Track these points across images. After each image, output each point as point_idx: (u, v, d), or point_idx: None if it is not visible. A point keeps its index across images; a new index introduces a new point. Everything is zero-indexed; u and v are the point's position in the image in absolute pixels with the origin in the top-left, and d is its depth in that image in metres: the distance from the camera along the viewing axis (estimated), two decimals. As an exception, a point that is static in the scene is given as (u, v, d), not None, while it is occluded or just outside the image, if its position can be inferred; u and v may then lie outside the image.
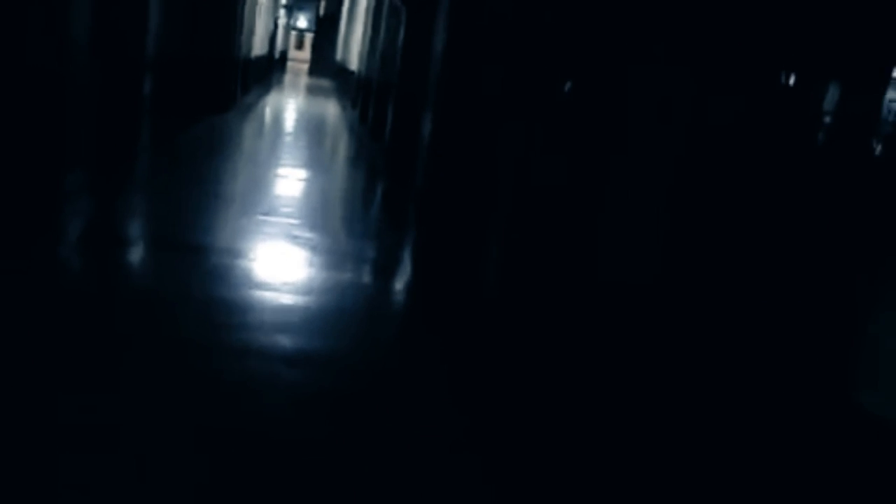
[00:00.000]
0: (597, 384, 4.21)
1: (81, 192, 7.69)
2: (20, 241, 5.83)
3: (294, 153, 12.31)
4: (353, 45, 24.34)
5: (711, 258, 2.91)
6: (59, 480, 3.04)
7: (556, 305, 4.68)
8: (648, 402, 3.74)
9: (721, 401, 3.25)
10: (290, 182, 9.71)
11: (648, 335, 3.52)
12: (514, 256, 5.53)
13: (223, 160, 10.99)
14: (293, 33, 47.85)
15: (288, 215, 7.78)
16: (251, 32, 20.58)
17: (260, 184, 9.36)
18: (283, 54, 41.83)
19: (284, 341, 4.64)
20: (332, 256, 6.58)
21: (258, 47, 23.45)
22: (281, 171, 10.45)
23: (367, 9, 19.34)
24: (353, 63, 23.10)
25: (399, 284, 6.36)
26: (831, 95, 2.96)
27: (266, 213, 7.69)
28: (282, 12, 35.04)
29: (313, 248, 6.69)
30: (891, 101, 2.89)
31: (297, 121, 18.06)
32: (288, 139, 14.42)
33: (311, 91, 29.37)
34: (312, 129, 16.73)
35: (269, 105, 20.42)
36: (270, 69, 31.10)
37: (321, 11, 43.66)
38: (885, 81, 2.80)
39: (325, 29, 43.62)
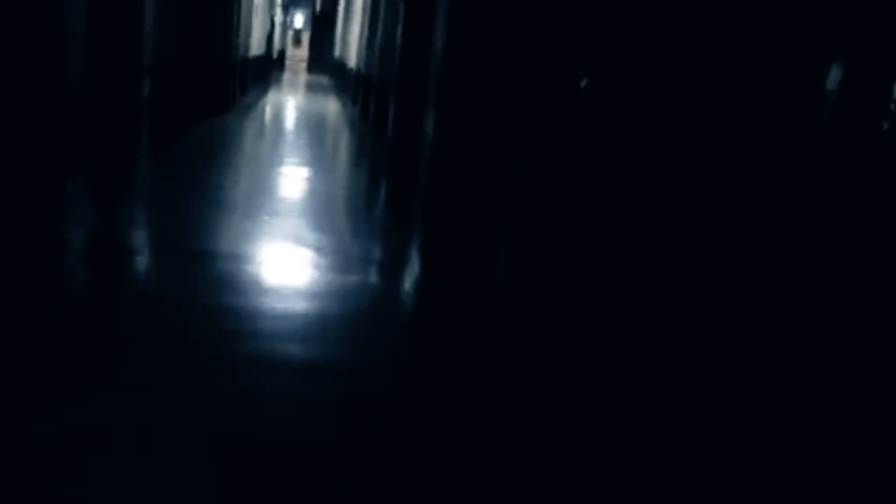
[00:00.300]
0: (612, 383, 4.11)
1: (82, 200, 7.61)
2: (22, 252, 5.75)
3: (296, 152, 12.21)
4: (351, 42, 24.23)
5: (741, 258, 2.80)
6: (69, 494, 2.95)
7: (573, 304, 4.58)
8: (664, 403, 3.65)
9: (740, 404, 3.15)
10: (293, 182, 9.61)
11: (672, 335, 3.42)
12: (528, 254, 5.43)
13: (224, 162, 10.89)
14: (290, 31, 47.74)
15: (292, 216, 7.69)
16: (248, 32, 20.48)
17: (263, 185, 9.26)
18: (281, 53, 41.74)
19: (293, 348, 4.55)
20: (338, 258, 6.48)
21: (256, 47, 23.36)
22: (283, 171, 10.36)
23: (364, 6, 19.22)
24: (352, 60, 22.99)
25: (408, 285, 6.25)
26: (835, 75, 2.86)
27: (270, 215, 7.60)
28: (278, 11, 34.92)
29: (319, 250, 6.59)
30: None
31: (298, 119, 17.95)
32: (289, 138, 14.32)
33: (311, 88, 29.26)
34: (313, 127, 16.63)
35: (268, 104, 20.31)
36: (269, 68, 31.01)
37: (317, 9, 43.52)
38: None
39: (322, 26, 43.50)
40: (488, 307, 5.62)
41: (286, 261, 6.26)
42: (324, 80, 35.91)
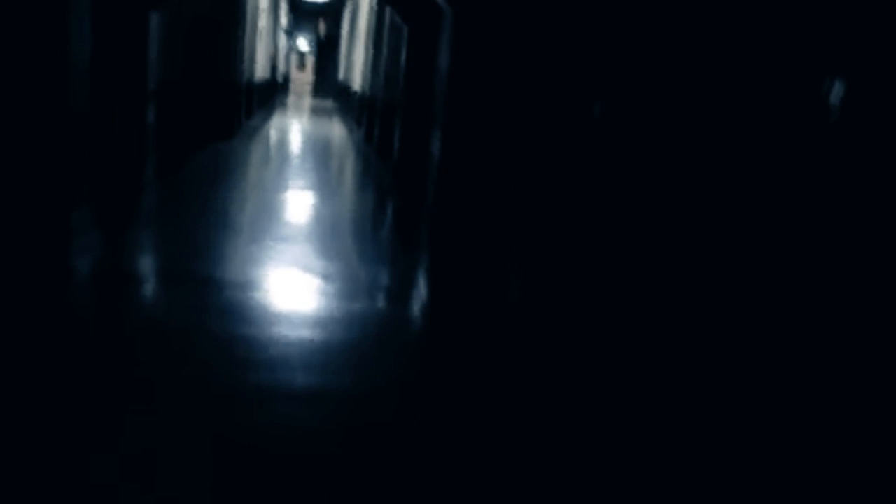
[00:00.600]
0: (622, 403, 4.03)
1: (89, 228, 7.56)
2: (30, 284, 5.69)
3: (301, 176, 12.18)
4: (355, 65, 24.27)
5: (759, 277, 2.73)
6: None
7: (584, 327, 4.49)
8: (675, 426, 3.56)
9: (755, 431, 3.06)
10: (299, 207, 9.56)
11: (686, 358, 3.33)
12: (538, 277, 5.35)
13: (230, 188, 10.86)
14: (294, 56, 47.94)
15: (299, 242, 7.63)
16: (252, 57, 20.54)
17: (269, 211, 9.21)
18: (286, 77, 41.90)
19: (304, 376, 4.48)
20: (346, 284, 6.41)
21: (260, 71, 23.42)
22: (289, 195, 10.31)
23: (368, 28, 19.26)
24: (356, 82, 23.02)
25: (417, 310, 6.18)
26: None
27: (277, 241, 7.55)
28: (282, 36, 35.08)
29: (326, 277, 6.52)
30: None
31: (303, 143, 17.95)
32: (294, 162, 14.30)
33: (315, 112, 29.31)
34: (318, 150, 16.62)
35: (273, 128, 20.32)
36: (274, 92, 31.10)
37: (321, 33, 43.71)
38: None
39: (327, 50, 43.68)
40: (499, 331, 5.53)
41: (293, 288, 6.19)
42: (328, 103, 36.00)
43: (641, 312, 3.73)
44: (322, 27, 43.36)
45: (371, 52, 18.21)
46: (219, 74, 15.99)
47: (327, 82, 42.93)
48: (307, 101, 37.63)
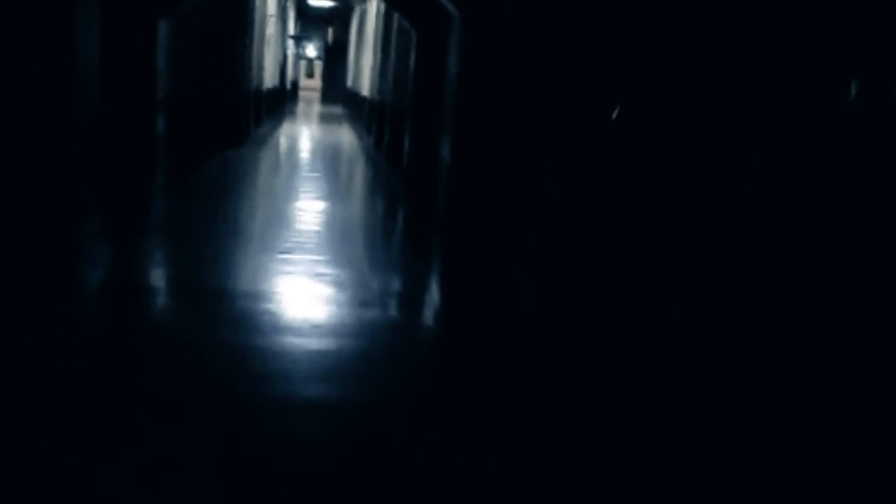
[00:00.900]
0: (638, 412, 3.94)
1: (99, 238, 7.51)
2: (39, 295, 5.63)
3: (311, 184, 12.12)
4: (363, 71, 24.24)
5: (783, 291, 2.63)
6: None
7: (604, 336, 4.40)
8: (688, 436, 3.47)
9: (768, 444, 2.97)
10: (309, 215, 9.50)
11: (703, 370, 3.24)
12: (553, 285, 5.26)
13: (241, 196, 10.81)
14: (303, 63, 47.96)
15: (310, 251, 7.56)
16: (261, 65, 20.51)
17: (280, 219, 9.15)
18: (295, 84, 41.91)
19: (318, 387, 4.40)
20: (358, 292, 6.34)
21: (269, 79, 23.40)
22: (300, 204, 10.25)
23: (376, 34, 19.21)
24: (365, 89, 22.98)
25: (429, 319, 6.10)
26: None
27: (288, 251, 7.48)
28: (290, 43, 35.09)
29: (339, 286, 6.45)
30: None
31: (312, 150, 17.91)
32: (304, 170, 14.25)
33: (324, 119, 29.29)
34: (328, 157, 16.57)
35: (283, 136, 20.29)
36: (283, 100, 31.10)
37: (329, 39, 43.73)
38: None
39: (335, 56, 43.68)
40: (511, 339, 5.44)
41: (306, 297, 6.12)
42: (337, 109, 35.99)
43: (660, 320, 3.64)
44: (330, 33, 43.40)
45: (379, 57, 18.16)
46: (227, 83, 15.96)
47: (336, 88, 42.91)
48: (316, 107, 37.65)
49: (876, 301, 2.45)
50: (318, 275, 6.73)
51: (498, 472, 3.66)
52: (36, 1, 6.62)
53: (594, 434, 4.06)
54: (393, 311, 6.20)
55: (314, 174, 13.52)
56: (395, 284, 6.92)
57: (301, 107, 36.53)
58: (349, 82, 33.61)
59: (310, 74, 51.47)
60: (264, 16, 20.28)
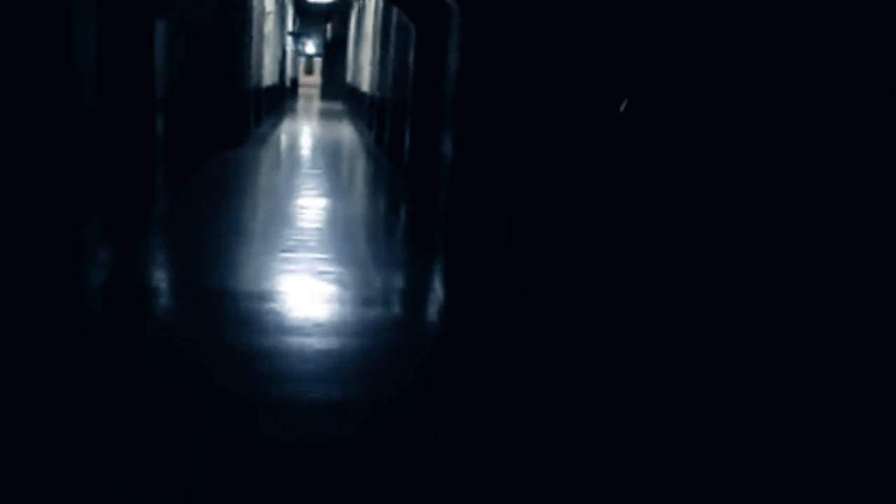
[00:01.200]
0: (646, 409, 3.89)
1: (99, 240, 7.47)
2: (41, 297, 5.59)
3: (312, 182, 12.07)
4: (363, 67, 24.16)
5: (806, 291, 2.57)
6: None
7: (612, 333, 4.35)
8: (700, 440, 3.41)
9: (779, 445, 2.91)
10: (311, 213, 9.44)
11: (726, 366, 3.18)
12: (557, 282, 5.20)
13: (241, 195, 10.76)
14: (302, 59, 47.86)
15: (312, 249, 7.51)
16: (260, 63, 20.45)
17: (281, 217, 9.10)
18: (294, 81, 41.84)
19: (322, 387, 4.36)
20: (361, 290, 6.29)
21: (268, 77, 23.34)
22: (301, 202, 10.20)
23: (375, 29, 19.14)
24: (365, 85, 22.91)
25: (433, 316, 6.05)
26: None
27: (291, 250, 7.43)
28: (289, 40, 35.00)
29: (342, 284, 6.40)
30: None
31: (313, 148, 17.85)
32: (305, 168, 14.19)
33: (324, 115, 29.23)
34: (328, 155, 16.51)
35: (283, 134, 20.24)
36: (282, 97, 31.04)
37: (328, 35, 43.63)
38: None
39: (334, 53, 43.57)
40: (516, 336, 5.39)
41: (308, 296, 6.07)
42: (337, 106, 35.93)
43: (671, 316, 3.58)
44: (329, 30, 43.29)
45: (379, 53, 18.09)
46: (226, 81, 15.90)
47: (336, 85, 42.82)
48: (316, 104, 37.58)
49: None
50: (320, 273, 6.68)
51: (502, 474, 3.62)
52: (32, 4, 6.58)
53: (602, 435, 4.01)
54: (396, 309, 6.15)
55: (315, 171, 13.46)
56: (398, 282, 6.87)
57: (301, 104, 36.47)
58: (349, 78, 33.54)
59: (309, 71, 51.41)
60: (262, 13, 20.20)
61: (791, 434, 2.84)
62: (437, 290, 6.76)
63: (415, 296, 6.60)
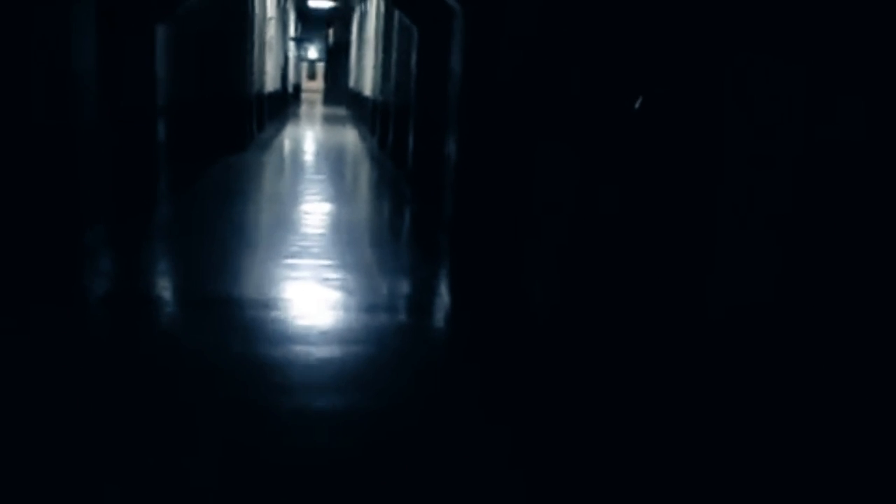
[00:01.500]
0: (657, 415, 3.79)
1: (102, 247, 7.39)
2: (43, 306, 5.51)
3: (315, 187, 11.98)
4: (366, 71, 24.10)
5: (836, 290, 2.47)
6: None
7: (624, 338, 4.25)
8: (713, 445, 3.31)
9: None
10: (315, 218, 9.36)
11: (748, 372, 3.08)
12: (569, 288, 5.10)
13: (245, 201, 10.67)
14: (305, 65, 47.82)
15: (316, 255, 7.42)
16: (262, 69, 20.38)
17: (285, 223, 9.01)
18: (297, 87, 41.80)
19: (330, 397, 4.27)
20: (367, 296, 6.20)
21: (270, 83, 23.28)
22: (305, 207, 10.11)
23: (377, 33, 19.07)
24: (368, 89, 22.84)
25: (439, 322, 5.96)
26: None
27: (295, 256, 7.34)
28: (291, 45, 34.96)
29: (347, 290, 6.31)
30: None
31: (316, 153, 17.77)
32: (308, 173, 14.11)
33: (327, 120, 29.17)
34: (332, 159, 16.43)
35: (286, 139, 20.17)
36: (285, 103, 30.98)
37: (331, 40, 43.60)
38: None
39: (337, 57, 43.54)
40: (524, 342, 5.30)
41: (313, 303, 5.98)
42: (340, 110, 35.88)
43: (689, 318, 3.48)
44: (331, 34, 43.25)
45: (381, 57, 18.01)
46: (228, 87, 15.84)
47: (339, 90, 42.78)
48: (319, 109, 37.53)
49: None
50: (325, 279, 6.59)
51: (515, 478, 3.52)
52: (30, 10, 6.50)
53: (620, 447, 3.91)
54: (402, 316, 6.05)
55: (318, 176, 13.38)
56: (404, 288, 6.77)
57: (304, 109, 36.44)
58: (351, 83, 33.48)
59: (312, 76, 51.36)
60: (264, 19, 20.15)
61: (810, 438, 2.74)
62: (444, 295, 6.66)
63: (421, 302, 6.50)
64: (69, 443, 3.66)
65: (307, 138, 21.27)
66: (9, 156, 6.44)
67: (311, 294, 6.21)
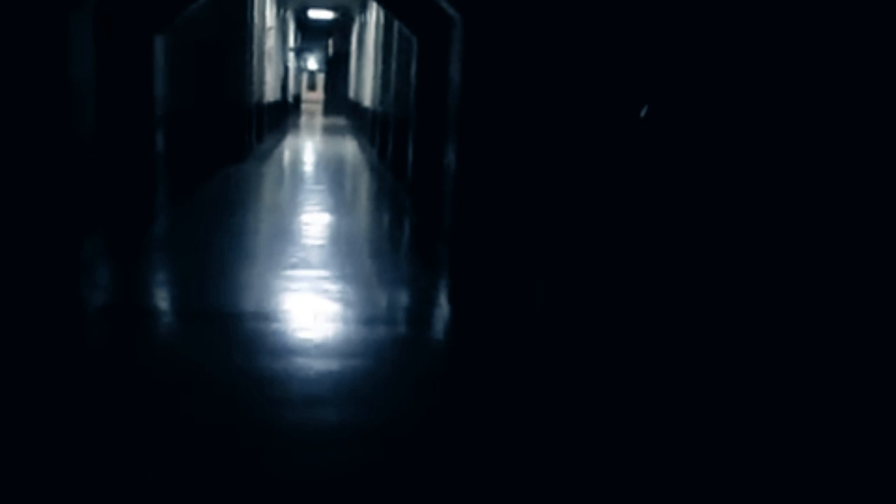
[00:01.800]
0: (662, 431, 3.72)
1: (99, 259, 7.33)
2: (39, 319, 5.44)
3: (315, 198, 11.92)
4: (365, 82, 24.09)
5: (858, 302, 2.40)
6: None
7: (629, 353, 4.18)
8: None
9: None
10: (314, 229, 9.29)
11: (765, 384, 3.01)
12: (574, 294, 5.03)
13: (244, 212, 10.61)
14: (305, 75, 47.86)
15: (315, 267, 7.36)
16: (261, 80, 20.36)
17: (284, 234, 8.95)
18: (297, 98, 41.82)
19: (332, 411, 4.20)
20: (367, 309, 6.14)
21: (270, 93, 23.26)
22: (304, 218, 10.05)
23: (377, 44, 19.05)
24: (367, 99, 22.82)
25: (439, 335, 5.88)
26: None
27: (294, 268, 7.27)
28: (291, 56, 34.98)
29: (346, 302, 6.24)
30: None
31: (315, 164, 17.72)
32: (307, 184, 14.05)
33: (327, 131, 29.14)
34: (331, 171, 16.37)
35: (285, 150, 20.13)
36: (285, 113, 30.98)
37: (330, 51, 43.63)
38: None
39: (336, 68, 43.58)
40: (525, 355, 5.23)
41: (311, 315, 5.91)
42: (340, 121, 35.86)
43: (698, 332, 3.41)
44: (331, 45, 43.28)
45: (381, 67, 17.99)
46: (227, 97, 15.81)
47: (338, 100, 42.82)
48: (319, 120, 37.51)
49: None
50: (324, 291, 6.53)
51: (517, 492, 3.45)
52: (28, 19, 6.46)
53: (623, 463, 3.84)
54: (401, 327, 5.98)
55: (318, 187, 13.32)
56: (403, 299, 6.70)
57: (304, 120, 36.42)
58: (351, 93, 33.48)
59: (312, 87, 51.40)
60: (263, 29, 20.13)
61: (827, 457, 2.67)
62: (443, 306, 6.59)
63: (420, 313, 6.43)
64: (67, 456, 3.59)
65: (307, 149, 21.23)
66: (6, 165, 6.39)
67: (310, 306, 6.15)
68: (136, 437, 3.83)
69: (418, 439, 3.99)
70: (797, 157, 2.64)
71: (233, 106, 16.06)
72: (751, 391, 2.97)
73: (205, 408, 4.22)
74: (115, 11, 9.51)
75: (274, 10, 23.22)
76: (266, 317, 5.81)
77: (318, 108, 46.77)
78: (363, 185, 14.53)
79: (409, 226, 10.34)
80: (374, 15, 20.23)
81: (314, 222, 9.75)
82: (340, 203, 11.82)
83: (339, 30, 39.99)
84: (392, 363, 5.07)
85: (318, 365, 4.88)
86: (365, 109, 24.08)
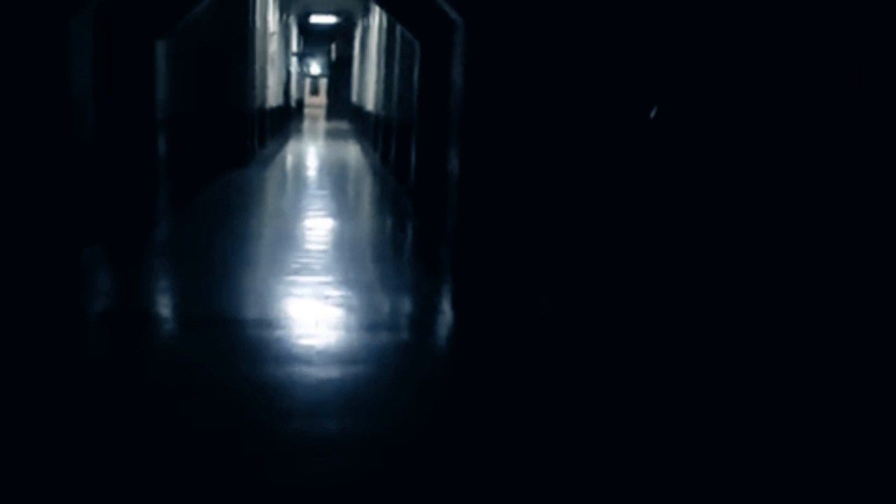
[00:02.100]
0: (668, 438, 3.65)
1: (100, 266, 7.27)
2: (41, 325, 5.39)
3: (318, 203, 11.87)
4: (368, 86, 24.06)
5: (874, 304, 2.34)
6: None
7: (636, 360, 4.11)
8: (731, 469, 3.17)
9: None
10: (317, 234, 9.24)
11: (779, 389, 2.94)
12: (578, 299, 4.97)
13: (246, 217, 10.56)
14: (307, 80, 47.86)
15: (318, 272, 7.30)
16: (264, 84, 20.34)
17: (286, 239, 8.90)
18: (300, 102, 41.81)
19: (330, 420, 4.14)
20: (370, 315, 6.08)
21: (272, 98, 23.24)
22: (307, 223, 9.99)
23: (379, 48, 19.02)
24: (370, 104, 22.79)
25: (442, 342, 5.82)
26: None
27: (296, 274, 7.22)
28: (294, 61, 34.97)
29: (349, 308, 6.18)
30: None
31: (318, 168, 17.68)
32: (310, 189, 14.00)
33: (330, 135, 29.12)
34: (334, 175, 16.33)
35: (288, 154, 20.09)
36: (288, 118, 30.95)
37: (333, 55, 43.63)
38: None
39: (339, 73, 43.58)
40: (529, 362, 5.16)
41: (313, 322, 5.85)
42: (343, 125, 35.84)
43: (710, 336, 3.34)
44: (334, 50, 43.28)
45: (384, 71, 17.95)
46: (229, 102, 15.77)
47: (341, 105, 42.82)
48: (322, 124, 37.50)
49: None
50: (326, 297, 6.47)
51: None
52: (28, 23, 6.42)
53: (626, 468, 3.77)
54: (404, 333, 5.92)
55: (321, 192, 13.27)
56: (406, 305, 6.64)
57: (306, 124, 36.41)
58: (354, 98, 33.45)
59: (314, 92, 51.42)
60: (265, 34, 20.11)
61: (846, 462, 2.60)
62: (446, 312, 6.53)
63: (423, 319, 6.37)
64: (67, 459, 3.54)
65: (309, 154, 21.19)
66: (5, 169, 6.34)
67: (313, 313, 6.09)
68: (136, 442, 3.78)
69: (420, 446, 3.93)
70: (815, 158, 2.58)
71: (235, 110, 16.03)
72: (766, 392, 2.91)
73: (207, 413, 4.16)
74: (116, 15, 9.47)
75: (276, 15, 23.21)
76: (268, 323, 5.76)
77: (321, 112, 46.77)
78: (366, 189, 14.48)
79: (412, 230, 10.29)
80: (376, 19, 20.21)
81: (316, 227, 9.70)
82: (343, 208, 11.77)
83: (342, 34, 39.99)
84: (395, 369, 5.02)
85: (320, 372, 4.83)
86: (368, 114, 24.05)
